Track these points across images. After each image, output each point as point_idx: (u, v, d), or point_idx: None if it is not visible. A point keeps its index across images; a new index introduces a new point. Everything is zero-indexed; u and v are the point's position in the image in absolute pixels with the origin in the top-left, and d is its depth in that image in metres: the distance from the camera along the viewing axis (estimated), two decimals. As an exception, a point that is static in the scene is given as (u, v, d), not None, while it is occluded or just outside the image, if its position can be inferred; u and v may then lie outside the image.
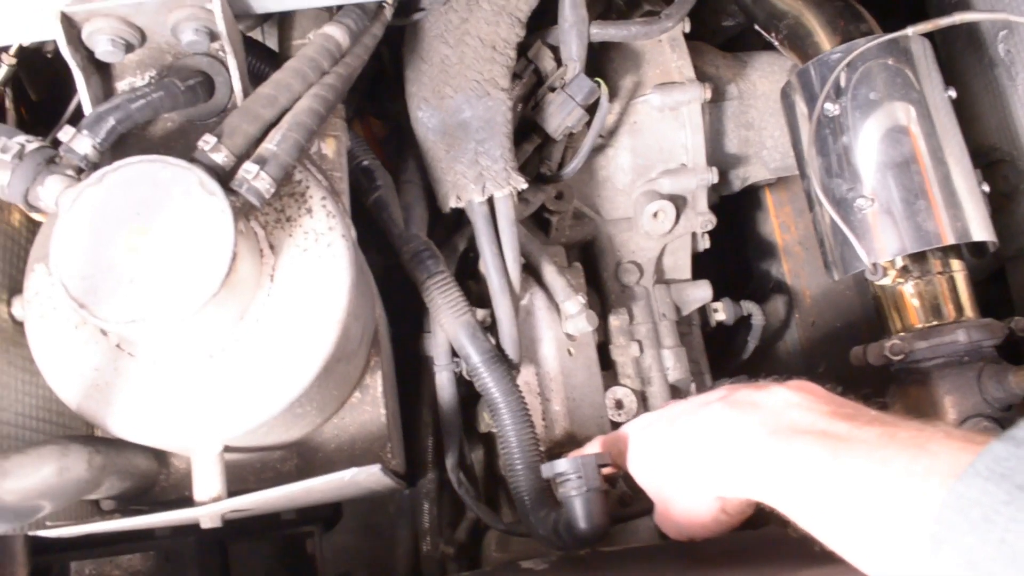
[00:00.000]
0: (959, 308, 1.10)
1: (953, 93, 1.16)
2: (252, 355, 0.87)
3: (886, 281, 1.13)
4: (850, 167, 1.13)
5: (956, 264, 1.12)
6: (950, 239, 1.08)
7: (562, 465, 0.90)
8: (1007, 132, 1.25)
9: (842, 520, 0.59)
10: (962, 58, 1.30)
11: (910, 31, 1.12)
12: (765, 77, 1.37)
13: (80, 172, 0.84)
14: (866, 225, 1.11)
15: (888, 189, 1.10)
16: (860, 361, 1.13)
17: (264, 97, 0.87)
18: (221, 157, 0.83)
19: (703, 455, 0.72)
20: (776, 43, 1.29)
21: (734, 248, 1.52)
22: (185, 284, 0.78)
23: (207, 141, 0.83)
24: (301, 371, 0.88)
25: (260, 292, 0.89)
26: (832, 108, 1.14)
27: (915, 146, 1.11)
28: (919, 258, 1.11)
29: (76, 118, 0.98)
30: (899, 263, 1.12)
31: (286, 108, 0.88)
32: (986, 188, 1.14)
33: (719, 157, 1.35)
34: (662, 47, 1.28)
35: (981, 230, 1.10)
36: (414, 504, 1.19)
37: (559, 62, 1.20)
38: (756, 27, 1.32)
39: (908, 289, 1.11)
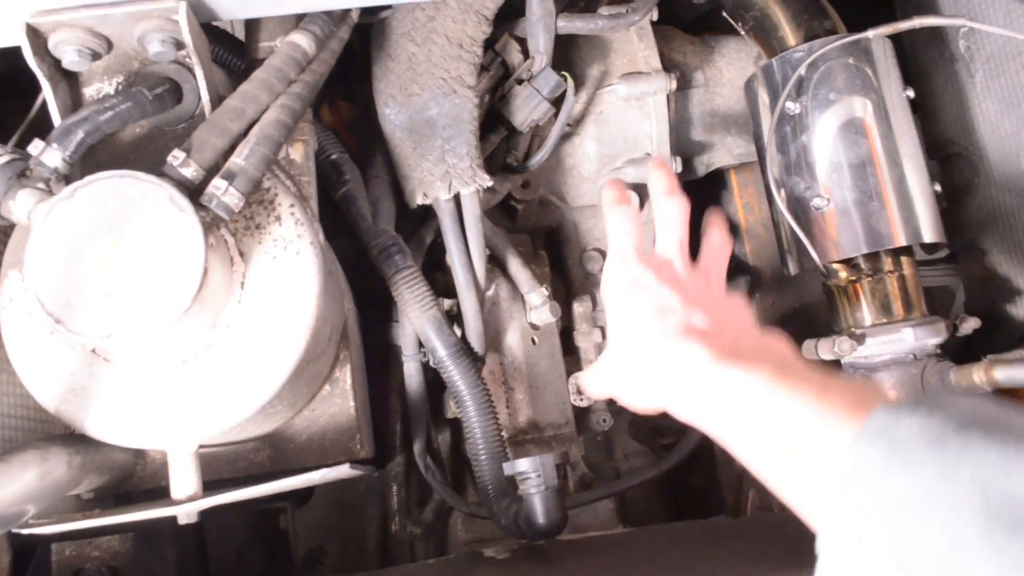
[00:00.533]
0: (908, 306, 1.15)
1: (911, 93, 1.19)
2: (224, 361, 0.91)
3: (838, 279, 1.17)
4: (808, 166, 1.16)
5: (907, 263, 1.16)
6: (902, 240, 1.12)
7: (523, 465, 0.96)
8: (964, 127, 1.28)
9: (762, 451, 0.65)
10: (925, 51, 1.32)
11: (871, 33, 1.14)
12: (731, 64, 1.38)
13: (49, 183, 0.85)
14: (821, 224, 1.14)
15: (843, 190, 1.13)
16: (812, 354, 1.18)
17: (231, 110, 0.88)
18: (190, 171, 0.85)
19: (659, 387, 0.77)
20: (742, 32, 1.31)
21: (697, 228, 1.55)
22: (157, 299, 0.80)
23: (176, 156, 0.84)
24: (272, 376, 0.91)
25: (231, 299, 0.91)
26: (793, 107, 1.16)
27: (872, 147, 1.14)
28: (871, 257, 1.15)
29: (37, 122, 1.00)
30: (852, 261, 1.16)
31: (253, 120, 0.90)
32: (938, 188, 1.18)
33: (684, 144, 1.37)
34: (629, 36, 1.30)
35: (932, 231, 1.14)
36: (383, 485, 1.24)
37: (526, 54, 1.21)
38: (724, 14, 1.33)
39: (859, 287, 1.15)
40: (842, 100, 1.15)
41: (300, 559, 1.30)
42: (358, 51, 1.27)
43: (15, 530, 0.90)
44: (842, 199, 1.13)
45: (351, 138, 1.30)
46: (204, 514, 0.95)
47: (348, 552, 1.27)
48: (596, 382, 0.89)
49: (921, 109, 1.35)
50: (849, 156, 1.14)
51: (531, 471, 0.95)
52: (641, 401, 0.82)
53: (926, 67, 1.33)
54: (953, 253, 1.37)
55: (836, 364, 1.18)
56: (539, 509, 0.95)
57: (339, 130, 1.30)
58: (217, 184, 0.85)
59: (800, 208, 1.16)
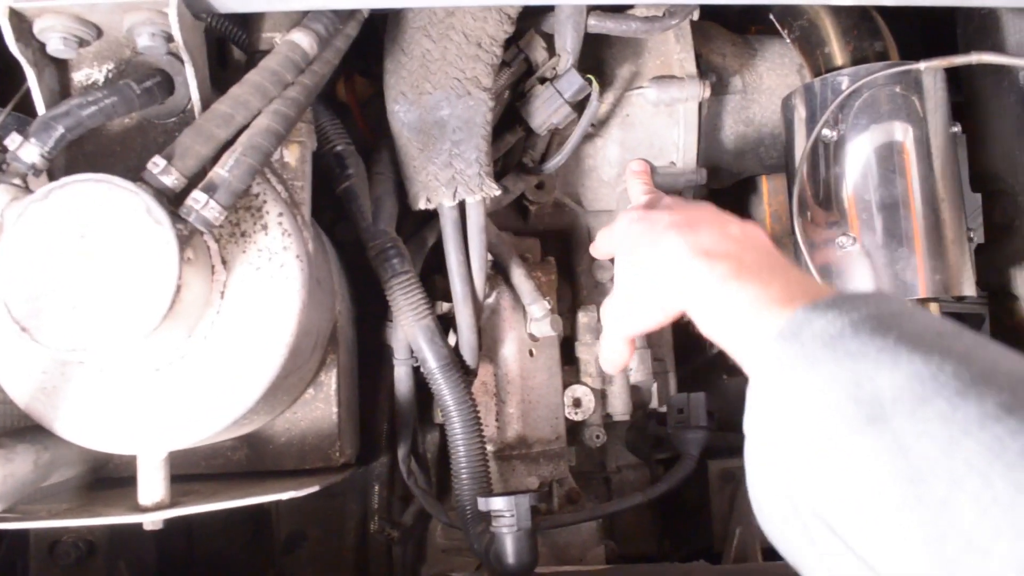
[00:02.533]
0: (925, 359, 1.08)
1: (958, 128, 1.10)
2: (198, 372, 0.88)
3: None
4: (837, 200, 1.08)
5: (932, 310, 1.09)
6: (928, 292, 1.05)
7: (497, 503, 0.93)
8: (1012, 164, 1.19)
9: (719, 333, 0.75)
10: (982, 78, 1.22)
11: (923, 65, 1.05)
12: (773, 70, 1.29)
13: (26, 179, 0.82)
14: (843, 264, 1.08)
15: (872, 231, 1.06)
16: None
17: (219, 115, 0.83)
18: (171, 180, 0.81)
19: (652, 280, 0.86)
20: (788, 40, 1.22)
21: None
22: (125, 315, 0.77)
23: (156, 164, 0.80)
24: (245, 392, 0.88)
25: (209, 310, 0.88)
26: (830, 134, 1.08)
27: (908, 187, 1.06)
28: (893, 304, 1.08)
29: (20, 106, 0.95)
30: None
31: (243, 126, 0.85)
32: (973, 235, 1.10)
33: (713, 152, 1.29)
34: (666, 37, 1.21)
35: (961, 285, 1.07)
36: (366, 483, 1.22)
37: (552, 51, 1.13)
38: (771, 17, 1.24)
39: (877, 333, 1.09)
40: (882, 132, 1.07)
41: (281, 540, 1.30)
42: (380, 26, 1.20)
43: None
44: (870, 240, 1.06)
45: (363, 119, 1.24)
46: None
47: (327, 541, 1.26)
48: (610, 315, 0.97)
49: (969, 138, 1.26)
50: (883, 195, 1.06)
51: (505, 510, 0.92)
52: (645, 301, 0.89)
53: (981, 94, 1.23)
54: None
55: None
56: (509, 549, 0.92)
57: (352, 109, 1.24)
58: (197, 197, 0.80)
59: (824, 243, 1.10)
